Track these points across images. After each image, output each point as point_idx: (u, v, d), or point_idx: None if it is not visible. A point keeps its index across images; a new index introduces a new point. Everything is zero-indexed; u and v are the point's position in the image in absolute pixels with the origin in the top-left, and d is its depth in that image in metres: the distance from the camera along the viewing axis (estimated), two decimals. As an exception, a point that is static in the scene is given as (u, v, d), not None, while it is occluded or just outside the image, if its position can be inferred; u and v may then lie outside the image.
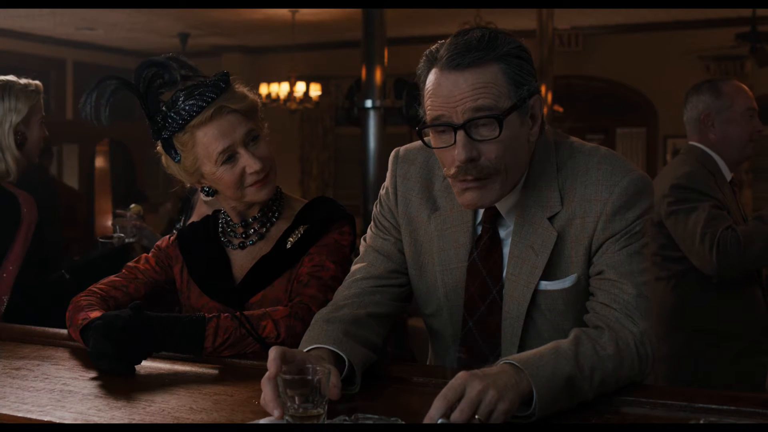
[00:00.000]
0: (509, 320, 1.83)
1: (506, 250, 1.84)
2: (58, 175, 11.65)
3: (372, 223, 2.02)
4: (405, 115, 5.57)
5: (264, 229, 2.20)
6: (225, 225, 2.25)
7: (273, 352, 1.57)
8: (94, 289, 2.19)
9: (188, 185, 2.31)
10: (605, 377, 1.63)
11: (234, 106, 2.08)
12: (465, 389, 1.46)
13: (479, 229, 1.87)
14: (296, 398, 1.47)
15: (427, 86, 1.74)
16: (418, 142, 1.90)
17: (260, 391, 1.69)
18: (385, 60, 5.93)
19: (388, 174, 1.98)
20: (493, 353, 1.85)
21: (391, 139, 6.29)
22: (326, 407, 1.49)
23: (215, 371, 1.93)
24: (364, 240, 2.02)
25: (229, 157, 2.08)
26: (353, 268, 1.98)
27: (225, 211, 2.25)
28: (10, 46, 10.89)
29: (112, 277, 2.25)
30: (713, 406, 1.61)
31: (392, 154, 1.99)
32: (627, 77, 10.63)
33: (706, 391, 1.69)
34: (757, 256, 3.07)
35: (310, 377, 1.48)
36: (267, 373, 1.55)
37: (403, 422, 1.42)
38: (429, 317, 1.97)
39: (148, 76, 2.11)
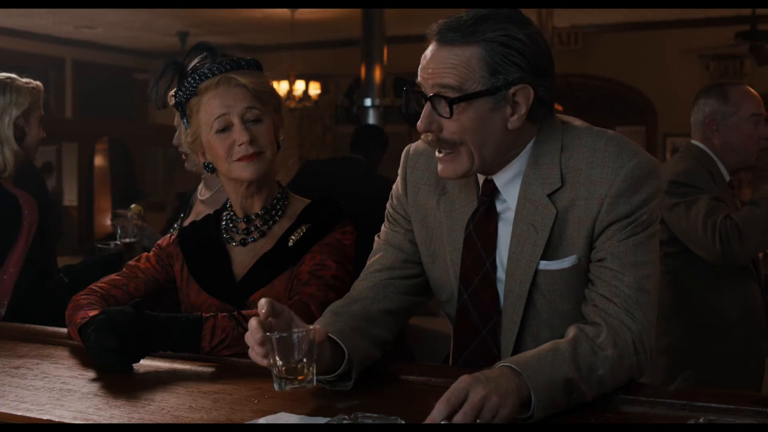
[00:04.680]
0: (511, 299, 1.82)
1: (501, 225, 1.84)
2: (58, 174, 11.64)
3: (385, 219, 2.04)
4: (404, 114, 5.57)
5: (266, 227, 2.20)
6: (228, 221, 2.25)
7: (263, 301, 1.61)
8: (94, 287, 2.19)
9: (193, 168, 2.32)
10: (604, 378, 1.63)
11: (242, 80, 2.12)
12: (468, 393, 1.46)
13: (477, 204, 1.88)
14: (286, 357, 1.54)
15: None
16: None
17: (260, 389, 1.70)
18: (385, 59, 5.94)
19: (400, 169, 2.01)
20: (486, 326, 1.85)
21: (391, 137, 6.28)
22: (314, 369, 1.56)
23: (214, 369, 1.93)
24: (378, 237, 2.03)
25: (224, 127, 2.11)
26: (368, 261, 2.00)
27: (230, 206, 2.25)
28: (9, 45, 10.87)
29: (112, 276, 2.25)
30: (713, 405, 1.61)
31: (404, 151, 2.03)
32: (626, 76, 10.63)
33: (705, 389, 1.69)
34: (758, 241, 3.09)
35: (299, 335, 1.55)
36: (255, 318, 1.60)
37: (403, 421, 1.42)
38: (446, 304, 1.96)
39: (195, 56, 2.18)
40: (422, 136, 1.80)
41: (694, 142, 3.32)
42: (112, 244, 3.29)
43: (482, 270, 1.84)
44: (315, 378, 1.59)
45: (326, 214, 2.18)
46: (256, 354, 1.61)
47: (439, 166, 1.81)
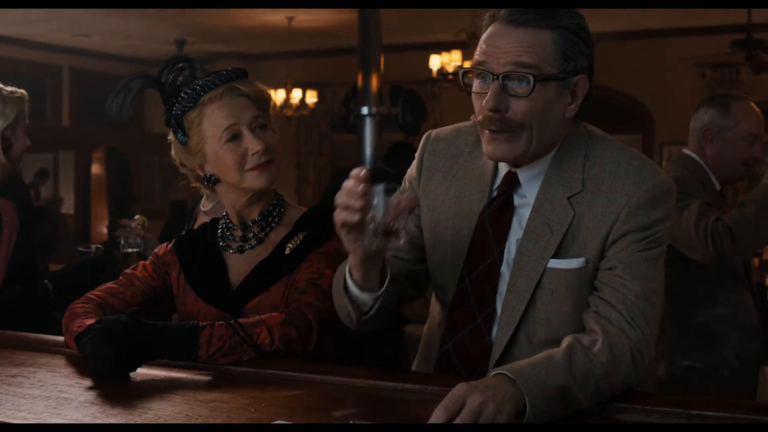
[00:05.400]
0: (514, 293, 1.82)
1: (516, 219, 1.85)
2: (54, 183, 11.65)
3: None
4: (401, 122, 5.59)
5: (263, 234, 2.20)
6: (225, 229, 2.25)
7: (358, 169, 1.65)
8: (91, 295, 2.19)
9: (192, 183, 2.32)
10: (600, 385, 1.63)
11: (245, 89, 2.15)
12: (465, 401, 1.46)
13: (495, 194, 1.89)
14: (384, 214, 1.61)
15: (482, 37, 1.82)
16: (450, 126, 1.98)
17: (257, 398, 1.70)
18: (382, 67, 5.94)
19: (417, 152, 2.03)
20: (482, 314, 1.85)
21: (387, 145, 6.29)
22: (403, 233, 1.65)
23: (211, 378, 1.92)
24: None
25: (233, 136, 2.12)
26: None
27: (226, 214, 2.25)
28: (7, 53, 10.88)
29: (109, 284, 2.25)
30: (709, 413, 1.61)
31: (425, 135, 2.05)
32: (623, 84, 10.64)
33: (701, 398, 1.69)
34: (750, 240, 3.11)
35: (400, 194, 1.63)
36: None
37: (399, 429, 1.42)
38: (440, 289, 1.96)
39: (174, 68, 2.20)
40: (481, 116, 1.79)
41: (685, 151, 3.35)
42: (93, 248, 3.29)
43: (489, 259, 1.85)
44: (402, 239, 1.65)
45: (323, 222, 2.18)
46: (351, 211, 1.63)
47: (489, 147, 1.80)
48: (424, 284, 2.01)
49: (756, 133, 3.28)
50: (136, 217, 3.51)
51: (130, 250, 3.32)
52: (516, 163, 1.85)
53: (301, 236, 2.16)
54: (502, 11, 1.80)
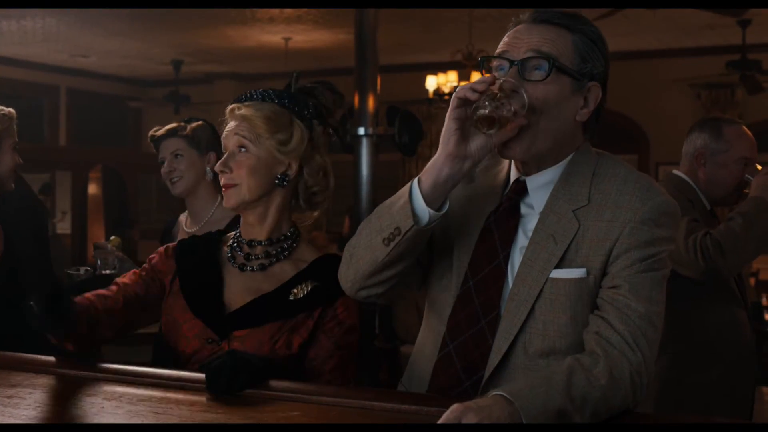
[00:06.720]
0: (515, 302, 1.82)
1: (521, 227, 1.87)
2: (51, 202, 11.64)
3: None
4: (397, 143, 5.59)
5: (267, 261, 2.18)
6: (234, 240, 2.25)
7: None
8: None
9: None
10: (597, 408, 1.63)
11: (242, 111, 2.17)
12: (461, 421, 1.47)
13: (503, 200, 1.91)
14: (505, 101, 1.71)
15: (506, 35, 1.89)
16: None
17: (252, 418, 1.70)
18: (378, 88, 5.95)
19: None
20: (486, 317, 1.84)
21: (384, 166, 6.31)
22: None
23: (206, 399, 1.92)
24: None
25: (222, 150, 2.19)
26: None
27: (240, 225, 2.25)
28: (4, 73, 10.91)
29: (100, 291, 2.20)
30: (705, 434, 1.61)
31: None
32: (618, 105, 10.68)
33: (696, 417, 1.70)
34: (739, 252, 3.12)
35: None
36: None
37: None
38: (442, 290, 1.94)
39: (306, 91, 2.41)
40: None
41: (675, 172, 3.39)
42: (82, 270, 3.29)
43: (495, 261, 1.86)
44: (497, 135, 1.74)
45: (334, 276, 2.03)
46: (474, 90, 1.72)
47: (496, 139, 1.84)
48: (424, 270, 1.98)
49: (748, 156, 3.31)
50: (112, 238, 3.53)
51: (106, 271, 3.33)
52: (525, 165, 1.87)
53: (309, 286, 2.13)
54: (527, 13, 1.87)
